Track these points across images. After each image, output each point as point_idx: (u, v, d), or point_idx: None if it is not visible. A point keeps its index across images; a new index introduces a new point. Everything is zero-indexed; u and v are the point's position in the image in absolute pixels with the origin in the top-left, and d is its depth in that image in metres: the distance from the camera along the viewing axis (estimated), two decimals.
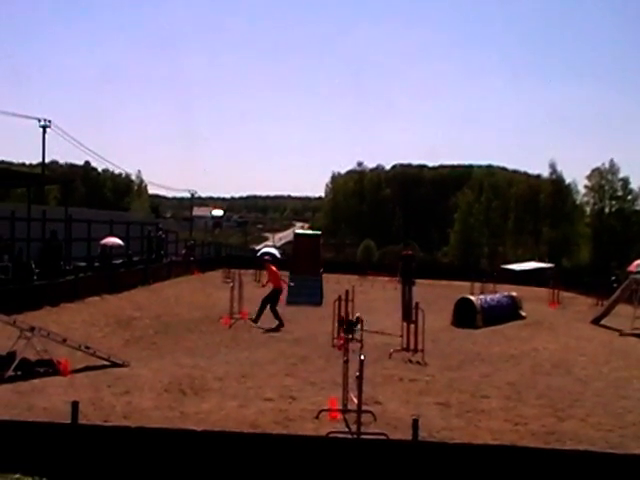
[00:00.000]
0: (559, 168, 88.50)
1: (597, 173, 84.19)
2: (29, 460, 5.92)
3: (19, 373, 10.21)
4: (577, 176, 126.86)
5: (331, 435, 7.04)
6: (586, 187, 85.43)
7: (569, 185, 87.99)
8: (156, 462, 6.05)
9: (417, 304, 13.79)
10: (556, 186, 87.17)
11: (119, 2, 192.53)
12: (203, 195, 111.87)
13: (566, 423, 9.04)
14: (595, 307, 24.06)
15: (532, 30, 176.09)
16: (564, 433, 8.50)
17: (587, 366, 13.44)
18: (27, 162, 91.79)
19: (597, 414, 9.52)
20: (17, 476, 5.70)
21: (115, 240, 26.95)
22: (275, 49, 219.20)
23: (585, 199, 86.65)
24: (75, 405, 6.11)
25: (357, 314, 13.50)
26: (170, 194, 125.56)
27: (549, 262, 53.01)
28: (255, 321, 16.88)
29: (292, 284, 20.45)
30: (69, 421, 6.09)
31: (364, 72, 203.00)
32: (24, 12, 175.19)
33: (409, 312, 13.89)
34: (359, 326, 12.90)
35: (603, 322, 20.28)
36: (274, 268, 18.07)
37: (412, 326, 13.63)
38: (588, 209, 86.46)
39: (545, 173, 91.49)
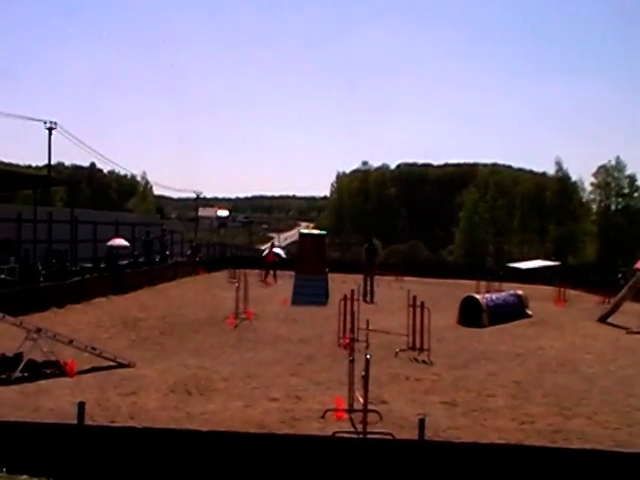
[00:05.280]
0: (565, 166, 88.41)
1: (603, 170, 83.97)
2: (36, 461, 5.92)
3: (26, 374, 10.25)
4: (583, 174, 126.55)
5: (337, 435, 7.02)
6: (592, 184, 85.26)
7: (575, 183, 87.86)
8: (162, 462, 6.06)
9: (423, 303, 13.78)
10: (562, 184, 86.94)
11: (123, 3, 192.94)
12: (208, 196, 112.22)
13: (573, 421, 9.00)
14: (601, 305, 23.94)
15: (537, 27, 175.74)
16: (571, 431, 8.46)
17: (594, 364, 13.39)
18: (33, 164, 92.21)
19: (604, 412, 9.48)
20: (24, 477, 5.71)
21: (121, 241, 27.07)
22: (278, 50, 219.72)
23: (591, 196, 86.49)
24: (81, 406, 6.12)
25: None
26: (175, 195, 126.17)
27: (555, 260, 52.92)
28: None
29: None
30: (75, 422, 6.10)
31: (367, 71, 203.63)
32: (27, 14, 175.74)
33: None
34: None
35: (610, 320, 20.20)
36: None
37: (418, 325, 13.61)
38: (594, 206, 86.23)
39: (551, 171, 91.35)
